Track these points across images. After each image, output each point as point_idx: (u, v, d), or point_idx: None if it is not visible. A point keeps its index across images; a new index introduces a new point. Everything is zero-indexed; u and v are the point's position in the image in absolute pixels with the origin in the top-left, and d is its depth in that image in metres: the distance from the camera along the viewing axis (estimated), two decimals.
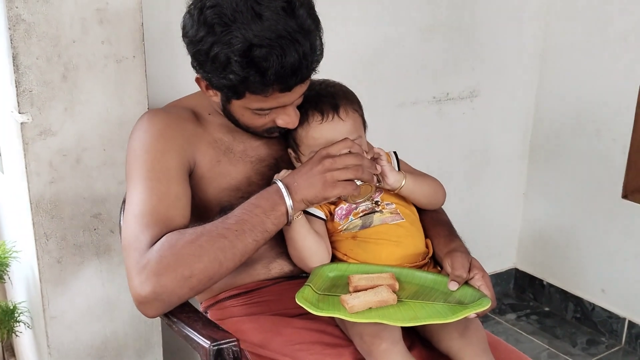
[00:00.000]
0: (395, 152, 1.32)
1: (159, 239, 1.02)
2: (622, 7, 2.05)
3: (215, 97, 1.16)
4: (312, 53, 1.04)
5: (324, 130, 1.16)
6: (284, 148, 1.27)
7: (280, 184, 1.08)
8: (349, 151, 1.10)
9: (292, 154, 1.24)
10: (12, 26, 1.21)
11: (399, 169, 1.29)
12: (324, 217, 1.24)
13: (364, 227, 1.20)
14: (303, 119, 1.17)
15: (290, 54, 1.01)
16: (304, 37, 1.02)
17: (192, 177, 1.17)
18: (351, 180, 1.08)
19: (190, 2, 1.07)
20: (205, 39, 1.03)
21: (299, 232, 1.14)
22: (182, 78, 1.58)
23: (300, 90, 1.11)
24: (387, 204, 1.23)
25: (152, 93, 1.41)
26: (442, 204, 1.32)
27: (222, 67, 1.03)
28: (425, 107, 2.14)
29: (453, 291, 1.09)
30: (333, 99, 1.18)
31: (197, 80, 1.15)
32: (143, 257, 1.00)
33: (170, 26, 1.54)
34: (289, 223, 1.09)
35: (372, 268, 1.16)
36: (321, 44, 1.08)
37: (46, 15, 1.24)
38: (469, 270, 1.11)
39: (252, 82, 1.03)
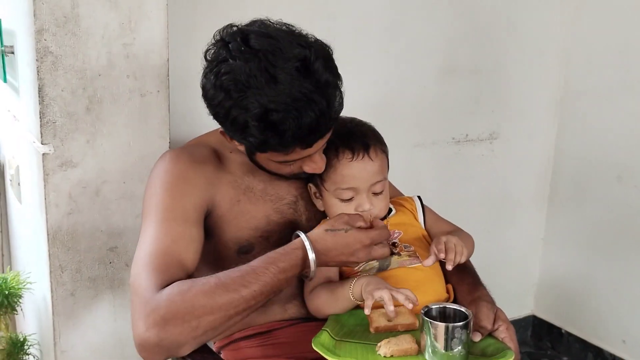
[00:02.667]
0: (419, 197, 1.30)
1: (169, 285, 1.00)
2: None
3: (241, 147, 1.15)
4: (330, 109, 1.03)
5: (354, 168, 1.16)
6: (303, 185, 1.26)
7: (311, 257, 1.05)
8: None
9: (313, 190, 1.23)
10: (40, 58, 1.23)
11: (424, 215, 1.27)
12: None
13: (380, 269, 1.18)
14: (332, 155, 1.16)
15: (306, 115, 1.00)
16: (321, 95, 1.01)
17: (210, 217, 1.16)
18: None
19: (206, 66, 1.07)
20: (223, 103, 1.03)
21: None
22: (204, 113, 1.58)
23: (322, 142, 1.10)
24: (405, 246, 1.21)
25: (174, 127, 1.41)
26: None
27: (241, 129, 1.04)
28: (443, 147, 2.13)
29: (476, 342, 1.06)
30: (364, 138, 1.18)
31: (221, 132, 1.15)
32: (151, 301, 0.98)
33: (195, 62, 1.55)
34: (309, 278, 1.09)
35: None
36: (340, 95, 1.07)
37: (73, 49, 1.25)
38: (494, 322, 1.08)
39: (272, 144, 1.04)
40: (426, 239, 1.26)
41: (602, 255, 2.24)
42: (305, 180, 1.25)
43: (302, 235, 1.06)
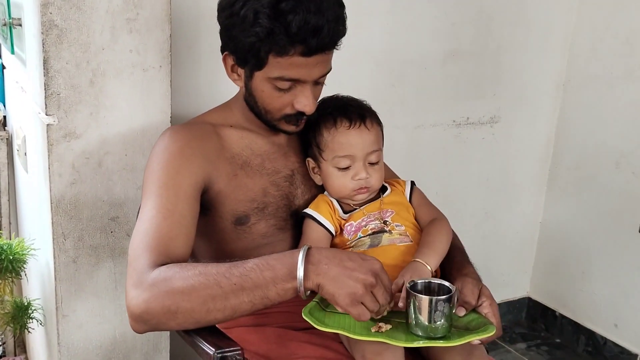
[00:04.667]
0: (412, 182, 1.33)
1: (162, 265, 1.03)
2: None
3: (239, 81, 1.19)
4: (336, 22, 1.10)
5: (351, 136, 1.22)
6: (300, 160, 1.30)
7: (300, 256, 0.98)
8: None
9: (311, 164, 1.28)
10: (45, 31, 1.26)
11: (410, 198, 1.31)
12: (334, 232, 1.25)
13: (372, 246, 1.21)
14: (330, 124, 1.23)
15: (314, 13, 1.06)
16: (330, 5, 1.09)
17: (208, 193, 1.20)
18: (369, 312, 0.98)
19: None
20: (238, 1, 1.09)
21: None
22: (205, 89, 1.62)
23: (320, 67, 1.14)
24: (396, 225, 1.24)
25: (175, 102, 1.44)
26: None
27: (251, 22, 1.08)
28: (444, 130, 2.15)
29: (460, 317, 1.10)
30: (360, 109, 1.25)
31: (224, 59, 1.19)
32: (140, 277, 1.02)
33: (197, 38, 1.58)
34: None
35: None
36: (344, 22, 1.14)
37: (78, 22, 1.28)
38: (478, 297, 1.11)
39: (277, 35, 1.07)
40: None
41: (597, 240, 2.26)
42: (302, 153, 1.29)
43: (301, 255, 0.99)
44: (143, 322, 1.01)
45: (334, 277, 0.97)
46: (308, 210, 1.27)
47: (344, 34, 1.14)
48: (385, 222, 1.24)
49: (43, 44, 1.26)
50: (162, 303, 0.99)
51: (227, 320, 1.02)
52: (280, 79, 1.13)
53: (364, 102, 1.29)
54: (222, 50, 1.19)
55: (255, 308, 1.00)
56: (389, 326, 1.05)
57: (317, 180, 1.29)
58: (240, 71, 1.18)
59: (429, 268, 1.14)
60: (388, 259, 1.19)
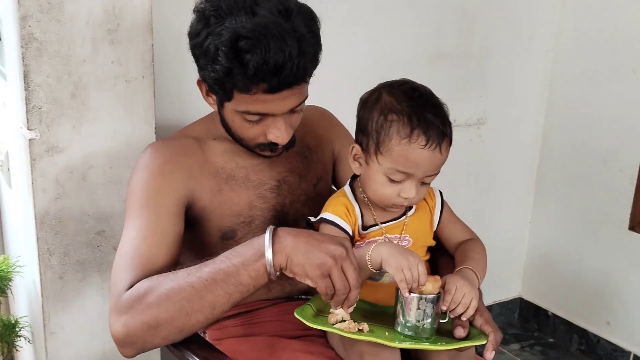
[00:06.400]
0: (441, 192, 1.25)
1: (136, 283, 1.02)
2: (630, 39, 2.06)
3: (214, 105, 1.17)
4: (300, 57, 1.03)
5: (421, 156, 1.07)
6: (287, 170, 1.26)
7: (267, 234, 0.99)
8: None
9: (358, 152, 1.13)
10: (25, 44, 1.24)
11: (441, 211, 1.23)
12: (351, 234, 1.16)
13: (372, 279, 1.13)
14: (405, 133, 1.06)
15: (274, 51, 1.00)
16: (293, 40, 1.02)
17: (193, 209, 1.18)
18: (334, 288, 0.97)
19: (198, 1, 1.11)
20: (202, 31, 1.06)
21: None
22: (189, 99, 1.60)
23: (290, 101, 1.09)
24: None
25: (159, 113, 1.42)
26: None
27: (212, 58, 1.05)
28: None
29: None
30: (443, 126, 1.09)
31: (198, 83, 1.17)
32: (118, 299, 1.01)
33: (180, 48, 1.56)
34: (273, 278, 0.99)
35: (377, 307, 1.14)
36: (315, 55, 1.08)
37: (58, 35, 1.26)
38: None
39: (236, 75, 1.03)
40: (427, 249, 1.23)
41: (588, 238, 2.27)
42: (288, 162, 1.26)
43: (268, 233, 1.00)
44: (129, 346, 1.00)
45: (303, 249, 0.97)
46: (325, 215, 1.14)
47: (313, 68, 1.08)
48: None
49: (23, 57, 1.24)
50: (140, 321, 0.98)
51: (210, 319, 1.00)
52: (248, 113, 1.10)
53: (444, 108, 1.13)
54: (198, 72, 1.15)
55: (233, 299, 0.98)
56: (364, 325, 1.03)
57: (355, 167, 1.15)
58: (214, 97, 1.15)
59: (478, 280, 1.11)
60: (381, 296, 1.14)
